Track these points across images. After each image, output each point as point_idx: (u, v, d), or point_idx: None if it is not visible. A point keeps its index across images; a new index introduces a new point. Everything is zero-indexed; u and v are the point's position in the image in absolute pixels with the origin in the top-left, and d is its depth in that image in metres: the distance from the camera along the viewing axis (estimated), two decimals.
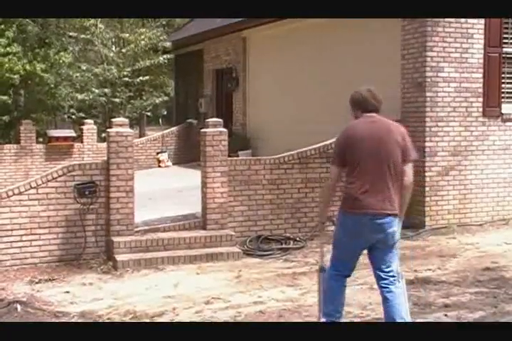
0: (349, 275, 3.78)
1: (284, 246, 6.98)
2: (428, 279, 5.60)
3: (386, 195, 3.54)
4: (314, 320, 4.40)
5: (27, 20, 13.09)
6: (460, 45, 7.77)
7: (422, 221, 7.69)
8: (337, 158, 3.70)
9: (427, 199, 7.69)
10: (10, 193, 6.22)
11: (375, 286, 5.40)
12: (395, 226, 3.64)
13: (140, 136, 16.64)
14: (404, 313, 3.60)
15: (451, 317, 4.59)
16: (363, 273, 5.90)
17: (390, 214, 3.57)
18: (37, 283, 5.74)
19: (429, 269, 5.98)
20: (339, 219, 3.74)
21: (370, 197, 3.52)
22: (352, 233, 3.61)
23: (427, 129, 7.69)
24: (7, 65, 11.69)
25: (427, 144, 7.69)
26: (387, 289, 3.61)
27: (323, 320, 3.84)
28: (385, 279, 3.64)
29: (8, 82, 12.09)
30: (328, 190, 3.86)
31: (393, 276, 3.66)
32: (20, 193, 6.25)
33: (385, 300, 3.62)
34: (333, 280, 3.75)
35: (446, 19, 7.64)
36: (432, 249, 6.84)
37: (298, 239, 7.20)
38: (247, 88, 12.55)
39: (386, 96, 8.19)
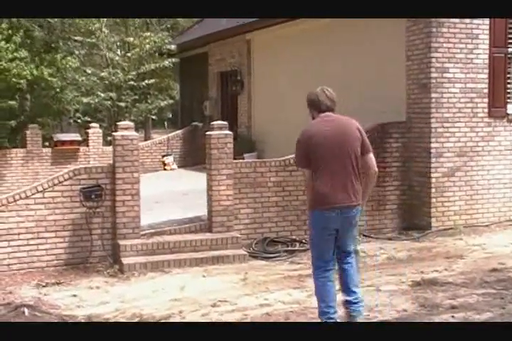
0: (332, 269, 3.97)
1: (290, 248, 6.98)
2: (435, 280, 5.57)
3: (351, 189, 3.76)
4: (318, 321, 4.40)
5: (33, 25, 13.17)
6: (465, 45, 7.75)
7: (428, 222, 7.67)
8: (304, 160, 3.86)
9: (433, 200, 7.67)
10: (17, 197, 6.25)
11: (382, 288, 5.42)
12: (358, 214, 3.93)
13: (145, 139, 16.69)
14: (357, 282, 4.00)
15: (458, 318, 4.57)
16: (369, 275, 5.90)
17: (355, 206, 3.84)
18: (44, 286, 5.77)
19: (436, 270, 5.96)
20: (311, 220, 3.94)
21: (336, 193, 3.73)
22: (325, 228, 3.82)
23: (433, 130, 7.67)
24: (14, 71, 11.75)
25: (432, 145, 7.67)
26: (346, 261, 3.98)
27: (321, 311, 4.00)
28: (346, 257, 4.00)
29: (15, 87, 12.15)
30: (309, 191, 3.96)
31: (351, 252, 4.04)
32: (26, 197, 6.28)
33: (344, 271, 3.95)
34: (320, 278, 3.94)
35: (451, 20, 7.63)
36: (438, 250, 6.82)
37: (304, 241, 7.18)
38: (252, 90, 12.56)
39: (391, 97, 8.26)
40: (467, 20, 7.71)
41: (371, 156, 3.89)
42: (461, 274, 5.80)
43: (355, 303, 3.94)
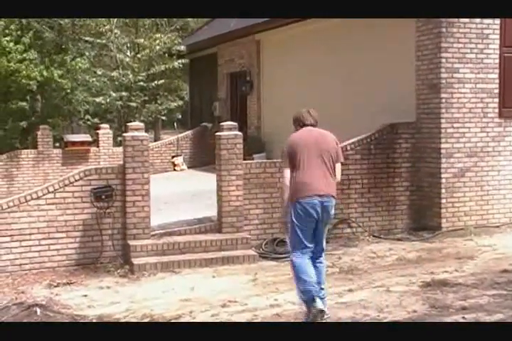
0: (312, 252, 4.45)
1: None
2: (445, 281, 5.56)
3: (328, 182, 4.40)
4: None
5: (43, 26, 13.25)
6: (475, 45, 7.72)
7: (438, 223, 7.65)
8: (287, 162, 4.49)
9: (443, 201, 7.64)
10: (28, 198, 6.30)
11: (392, 289, 5.42)
12: (333, 206, 4.46)
13: (155, 140, 16.75)
14: (324, 279, 4.58)
15: (469, 319, 4.56)
16: (379, 275, 5.90)
17: (332, 196, 4.42)
18: (55, 286, 5.81)
19: (446, 271, 5.95)
20: (293, 210, 4.39)
21: (317, 183, 4.34)
22: (306, 215, 4.32)
23: (443, 131, 7.65)
24: (24, 72, 11.83)
25: (442, 146, 7.64)
26: (319, 260, 4.52)
27: (302, 297, 4.34)
28: (319, 255, 4.51)
29: (25, 88, 12.23)
30: (285, 191, 4.52)
31: (323, 250, 4.56)
32: (38, 198, 6.33)
33: (316, 269, 4.44)
34: (299, 259, 4.39)
35: (461, 20, 7.60)
36: (448, 251, 6.80)
37: None
38: (261, 91, 12.58)
39: (401, 97, 8.25)
40: (477, 20, 7.68)
41: (339, 166, 4.59)
42: (472, 275, 5.79)
43: (323, 299, 4.35)
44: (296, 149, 4.40)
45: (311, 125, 4.55)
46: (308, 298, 4.25)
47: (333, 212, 4.50)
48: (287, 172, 4.46)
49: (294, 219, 4.40)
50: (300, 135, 4.50)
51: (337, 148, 4.53)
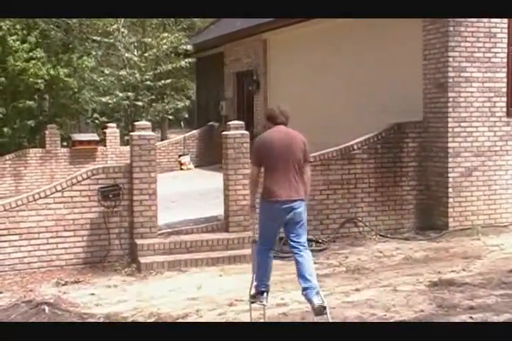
0: (273, 248, 4.75)
1: None
2: (452, 281, 5.55)
3: (293, 186, 4.54)
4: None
5: (51, 25, 13.29)
6: (483, 44, 7.70)
7: (446, 222, 7.63)
8: (256, 160, 4.67)
9: (450, 200, 7.63)
10: (36, 196, 6.34)
11: (399, 288, 5.41)
12: (301, 208, 4.60)
13: (162, 139, 16.79)
14: (311, 272, 4.56)
15: (476, 319, 4.55)
16: (386, 275, 5.89)
17: (296, 200, 4.55)
18: (63, 285, 5.84)
19: (454, 271, 5.94)
20: (260, 207, 4.65)
21: (281, 189, 4.51)
22: (271, 216, 4.57)
23: (450, 130, 7.63)
24: (31, 70, 11.88)
25: (449, 145, 7.63)
26: (298, 254, 4.59)
27: (255, 284, 4.63)
28: (296, 247, 4.61)
29: (33, 87, 12.29)
30: (252, 185, 4.74)
31: (302, 245, 4.63)
32: (46, 196, 6.36)
33: (297, 262, 4.57)
34: (260, 254, 4.67)
35: (469, 19, 7.57)
36: (455, 251, 6.78)
37: (320, 241, 7.20)
38: (268, 90, 12.58)
39: (408, 96, 8.23)
40: (485, 19, 7.65)
41: (308, 165, 4.75)
42: (479, 275, 5.77)
43: (308, 289, 4.47)
44: (267, 151, 4.55)
45: (282, 123, 4.67)
46: (257, 289, 4.58)
47: (303, 213, 4.62)
48: (255, 170, 4.66)
49: (261, 216, 4.66)
50: (270, 137, 4.61)
51: (305, 148, 4.65)
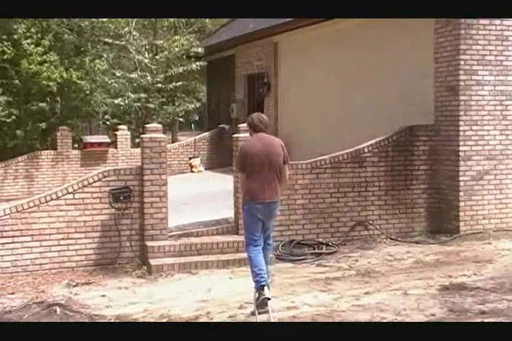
0: (260, 245, 5.12)
1: (316, 251, 6.98)
2: (463, 285, 5.52)
3: (273, 188, 5.07)
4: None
5: (64, 28, 13.38)
6: (495, 47, 7.66)
7: (457, 226, 7.59)
8: (242, 166, 5.12)
9: (461, 204, 7.59)
10: (48, 198, 6.38)
11: (409, 292, 5.40)
12: (278, 207, 5.27)
13: (172, 142, 16.80)
14: (269, 260, 5.28)
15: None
16: (396, 278, 5.88)
17: (276, 201, 5.14)
18: (74, 286, 5.88)
19: (465, 275, 5.91)
20: (244, 209, 5.12)
21: (266, 191, 5.02)
22: (256, 216, 5.04)
23: (461, 133, 7.60)
24: (44, 73, 11.97)
25: (460, 148, 7.59)
26: (267, 248, 5.23)
27: (255, 285, 4.92)
28: (267, 241, 5.24)
29: (45, 89, 12.38)
30: (244, 188, 5.14)
31: (270, 238, 5.31)
32: (57, 198, 6.40)
33: (264, 252, 5.14)
34: (252, 251, 5.06)
35: (481, 21, 7.55)
36: (466, 255, 6.75)
37: (330, 243, 7.19)
38: (278, 93, 12.59)
39: (419, 99, 8.20)
40: (497, 22, 7.62)
41: (287, 167, 5.22)
42: (491, 279, 5.74)
43: (263, 278, 4.96)
44: (248, 158, 5.03)
45: (262, 131, 5.16)
46: (258, 286, 4.88)
47: (277, 211, 5.34)
48: (242, 175, 5.12)
49: (246, 218, 5.12)
50: (253, 144, 5.11)
51: (283, 152, 5.18)
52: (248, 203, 5.06)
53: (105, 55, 14.31)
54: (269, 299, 4.78)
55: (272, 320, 4.67)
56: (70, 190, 6.45)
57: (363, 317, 4.76)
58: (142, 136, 6.91)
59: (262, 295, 4.78)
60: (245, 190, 5.07)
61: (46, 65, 12.11)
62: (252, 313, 4.84)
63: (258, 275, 4.91)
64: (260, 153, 5.02)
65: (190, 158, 13.40)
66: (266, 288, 4.83)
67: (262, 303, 4.76)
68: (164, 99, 15.15)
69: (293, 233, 7.25)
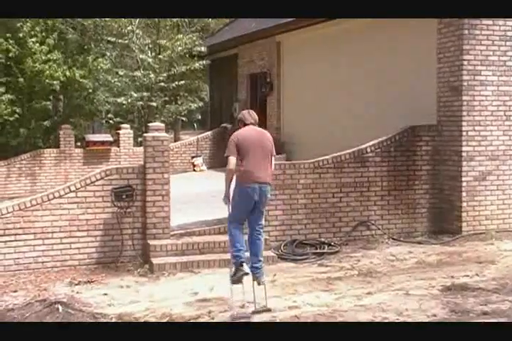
0: (243, 225, 5.33)
1: (318, 250, 6.98)
2: (465, 286, 5.52)
3: (267, 172, 5.30)
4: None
5: (67, 27, 13.39)
6: (498, 47, 7.65)
7: (459, 226, 7.59)
8: (234, 151, 5.25)
9: (464, 204, 7.58)
10: (51, 196, 6.39)
11: (411, 292, 5.39)
12: (269, 191, 5.36)
13: (175, 141, 16.80)
14: (262, 253, 5.38)
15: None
16: (398, 278, 5.87)
17: (268, 183, 5.31)
18: (76, 284, 5.89)
19: (467, 275, 5.90)
20: (238, 191, 5.21)
21: (258, 173, 5.21)
22: (247, 197, 5.17)
23: (464, 133, 7.59)
24: (48, 72, 11.99)
25: (463, 149, 7.58)
26: (258, 237, 5.32)
27: (233, 261, 5.12)
28: (257, 230, 5.32)
29: (48, 88, 12.39)
30: (231, 175, 5.24)
31: (262, 227, 5.37)
32: (60, 196, 6.41)
33: (254, 243, 5.29)
34: (236, 229, 5.27)
35: (484, 22, 7.54)
36: (469, 255, 6.74)
37: (332, 243, 7.19)
38: (281, 92, 12.59)
39: (422, 100, 8.19)
40: (500, 22, 7.61)
41: (274, 159, 5.47)
42: (493, 280, 5.73)
43: (260, 268, 5.18)
44: (244, 143, 5.24)
45: (252, 124, 5.44)
46: (237, 262, 5.08)
47: (269, 195, 5.38)
48: (233, 160, 5.23)
49: (238, 199, 5.23)
50: (247, 131, 5.36)
51: (272, 143, 5.47)
52: (243, 184, 5.18)
53: (108, 54, 14.33)
54: (247, 274, 5.02)
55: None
56: (73, 188, 6.46)
57: (365, 317, 4.76)
58: (145, 134, 6.92)
59: (240, 270, 5.02)
60: (241, 171, 5.19)
61: (49, 63, 12.12)
62: (241, 307, 4.98)
63: (240, 250, 5.11)
64: (255, 140, 5.29)
65: (192, 157, 13.40)
66: (244, 264, 5.06)
67: (239, 278, 5.01)
68: (167, 98, 15.15)
69: (295, 232, 7.25)
